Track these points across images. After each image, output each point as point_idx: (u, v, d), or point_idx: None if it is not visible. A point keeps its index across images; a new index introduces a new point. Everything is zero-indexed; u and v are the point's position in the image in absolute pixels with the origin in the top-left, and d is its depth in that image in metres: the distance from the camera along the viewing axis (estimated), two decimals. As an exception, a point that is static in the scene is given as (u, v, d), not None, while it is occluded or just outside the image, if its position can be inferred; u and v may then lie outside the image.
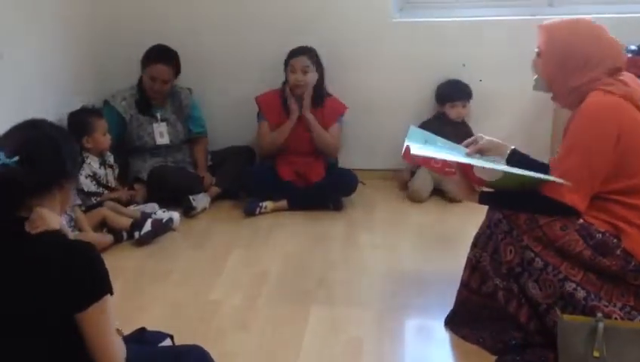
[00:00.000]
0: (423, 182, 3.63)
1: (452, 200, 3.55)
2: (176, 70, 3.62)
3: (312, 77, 3.54)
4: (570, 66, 2.05)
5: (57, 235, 1.47)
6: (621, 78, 2.04)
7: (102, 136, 3.30)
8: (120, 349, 1.50)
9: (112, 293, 1.46)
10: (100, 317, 1.43)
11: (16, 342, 1.42)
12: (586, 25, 2.12)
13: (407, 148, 2.16)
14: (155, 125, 3.65)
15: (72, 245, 1.48)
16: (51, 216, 1.47)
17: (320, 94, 3.59)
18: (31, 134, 1.52)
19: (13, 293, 1.41)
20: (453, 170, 2.24)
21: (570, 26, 2.13)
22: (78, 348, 1.44)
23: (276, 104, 3.62)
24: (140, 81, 3.64)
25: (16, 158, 1.42)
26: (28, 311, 1.41)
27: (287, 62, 3.55)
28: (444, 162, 2.21)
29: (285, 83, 3.60)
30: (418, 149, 2.16)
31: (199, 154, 3.79)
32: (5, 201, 1.44)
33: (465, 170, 2.18)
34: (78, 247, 1.47)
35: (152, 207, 3.40)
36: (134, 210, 3.34)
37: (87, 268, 1.43)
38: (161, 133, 3.66)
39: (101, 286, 1.44)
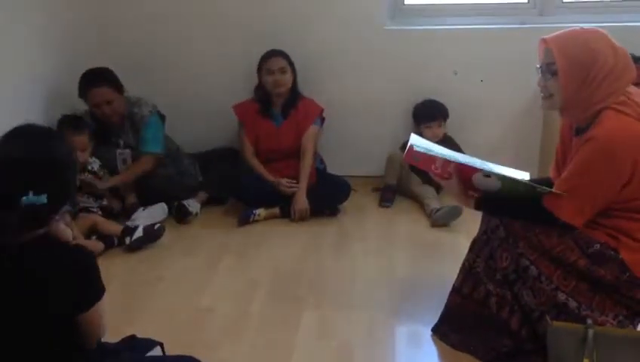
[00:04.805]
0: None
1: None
2: (116, 85, 3.40)
3: (289, 78, 3.56)
4: (592, 80, 1.93)
5: (60, 244, 1.59)
6: (631, 95, 1.96)
7: (80, 152, 3.21)
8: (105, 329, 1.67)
9: (104, 290, 1.61)
10: (96, 315, 1.59)
11: (17, 340, 1.53)
12: (597, 34, 1.98)
13: (411, 149, 2.16)
14: (118, 152, 3.50)
15: (72, 254, 1.60)
16: (66, 230, 1.64)
17: (293, 96, 3.61)
18: (47, 163, 1.56)
19: (20, 300, 1.51)
20: (450, 176, 2.20)
21: (581, 36, 1.98)
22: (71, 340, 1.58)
23: (252, 112, 3.63)
24: (91, 113, 3.47)
25: (44, 198, 1.49)
26: (32, 315, 1.51)
27: (261, 66, 3.57)
28: (444, 168, 2.19)
29: (258, 88, 3.62)
30: (422, 149, 2.16)
31: (130, 168, 3.52)
32: (31, 229, 1.53)
33: (463, 175, 2.18)
34: (78, 256, 1.60)
35: (160, 207, 3.42)
36: (140, 216, 3.31)
37: (87, 276, 1.57)
38: (124, 161, 3.51)
39: (98, 289, 1.59)
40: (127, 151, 3.52)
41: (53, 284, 1.50)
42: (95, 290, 1.58)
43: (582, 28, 2.02)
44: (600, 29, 2.01)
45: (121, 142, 3.53)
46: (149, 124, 3.52)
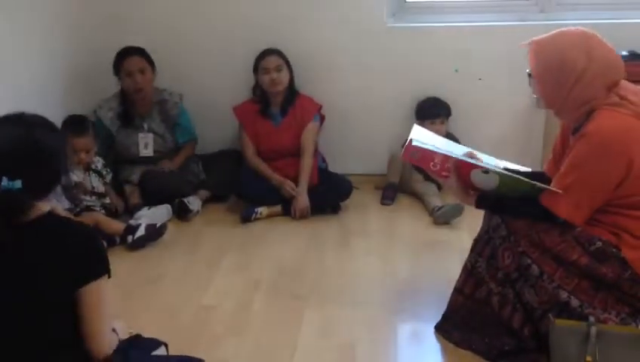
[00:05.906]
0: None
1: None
2: (149, 59, 3.55)
3: (285, 76, 3.56)
4: (564, 84, 1.96)
5: (61, 217, 1.61)
6: (622, 92, 1.96)
7: (84, 154, 3.24)
8: (110, 341, 1.63)
9: (109, 275, 1.61)
10: (97, 299, 1.57)
11: (14, 331, 1.53)
12: (574, 37, 1.99)
13: (408, 148, 2.17)
14: (140, 135, 3.59)
15: (76, 225, 1.62)
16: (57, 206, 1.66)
17: (291, 94, 3.61)
18: (30, 150, 1.54)
19: (22, 273, 1.52)
20: (449, 173, 2.20)
21: (556, 41, 2.00)
22: (73, 338, 1.57)
23: (252, 113, 3.63)
24: (122, 92, 3.58)
25: (19, 183, 1.47)
26: (35, 287, 1.51)
27: (257, 66, 3.57)
28: (442, 165, 2.19)
29: (256, 88, 3.64)
30: (421, 144, 2.17)
31: (180, 154, 3.72)
32: (11, 215, 1.52)
33: (461, 173, 2.18)
34: (81, 228, 1.62)
35: (165, 208, 3.41)
36: (144, 215, 3.30)
37: (90, 246, 1.58)
38: (146, 145, 3.59)
39: (102, 265, 1.59)
40: (150, 135, 3.61)
41: (49, 260, 1.50)
42: (96, 265, 1.56)
43: (568, 29, 2.04)
44: (587, 31, 2.01)
45: (145, 126, 3.61)
46: (183, 113, 3.73)
